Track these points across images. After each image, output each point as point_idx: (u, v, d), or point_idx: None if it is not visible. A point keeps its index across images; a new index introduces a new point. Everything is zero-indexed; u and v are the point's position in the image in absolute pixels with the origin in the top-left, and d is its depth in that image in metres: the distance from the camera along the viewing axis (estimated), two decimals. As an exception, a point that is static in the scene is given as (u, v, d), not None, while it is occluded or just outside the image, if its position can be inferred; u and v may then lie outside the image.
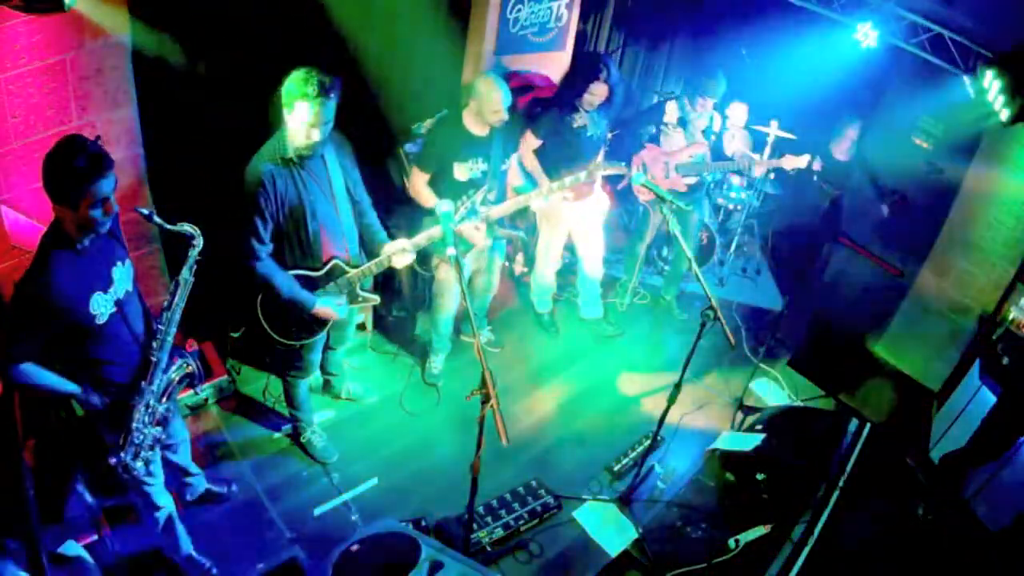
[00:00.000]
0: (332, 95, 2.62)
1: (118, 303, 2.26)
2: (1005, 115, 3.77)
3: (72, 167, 1.96)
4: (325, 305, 3.00)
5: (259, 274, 2.85)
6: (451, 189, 3.45)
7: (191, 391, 3.54)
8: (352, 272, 3.05)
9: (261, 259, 2.82)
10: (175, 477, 3.03)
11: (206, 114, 3.33)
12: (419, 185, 3.55)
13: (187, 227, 2.39)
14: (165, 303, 2.39)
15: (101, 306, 2.17)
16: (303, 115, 2.62)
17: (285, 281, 2.90)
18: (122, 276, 2.29)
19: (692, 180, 4.54)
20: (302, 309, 2.96)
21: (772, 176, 5.31)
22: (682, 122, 4.44)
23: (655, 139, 4.49)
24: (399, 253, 3.07)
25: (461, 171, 3.51)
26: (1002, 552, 3.44)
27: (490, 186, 3.58)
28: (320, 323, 3.10)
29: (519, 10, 4.49)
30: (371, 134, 4.19)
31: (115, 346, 2.28)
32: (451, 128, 3.52)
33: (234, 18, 3.20)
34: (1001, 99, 3.71)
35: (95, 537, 2.87)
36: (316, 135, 2.68)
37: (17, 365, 2.10)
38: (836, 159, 4.96)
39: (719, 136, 4.60)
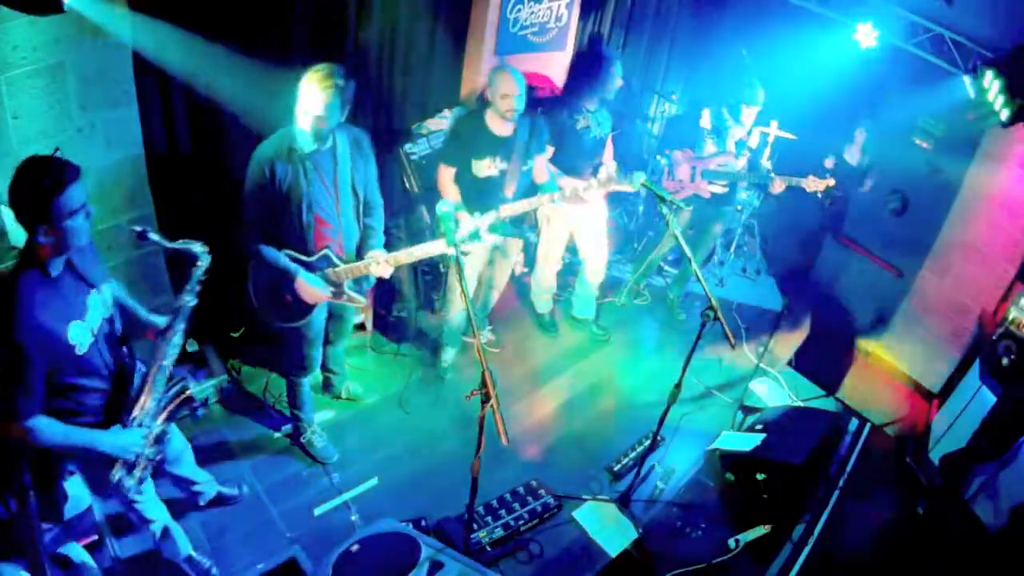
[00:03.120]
0: (342, 92, 2.70)
1: (95, 332, 2.16)
2: (1005, 115, 3.78)
3: (39, 183, 1.88)
4: (309, 281, 2.97)
5: (251, 249, 2.92)
6: (472, 186, 3.55)
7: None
8: (340, 267, 3.06)
9: (259, 237, 2.89)
10: (183, 487, 3.02)
11: (206, 113, 3.34)
12: (445, 180, 3.61)
13: (193, 245, 2.26)
14: (164, 326, 2.31)
15: (80, 336, 2.07)
16: (311, 106, 2.68)
17: (274, 252, 2.92)
18: (96, 304, 2.18)
19: (718, 189, 4.53)
20: (286, 282, 2.96)
21: (771, 174, 5.31)
22: (715, 130, 4.44)
23: (698, 145, 4.50)
24: (376, 263, 3.05)
25: (480, 168, 3.54)
26: (1002, 552, 3.44)
27: (510, 186, 3.62)
28: (305, 306, 3.09)
29: (519, 10, 4.49)
30: (370, 134, 4.19)
31: (93, 375, 2.19)
32: (474, 125, 3.55)
33: (233, 17, 3.19)
34: (1001, 99, 3.72)
35: (95, 538, 2.87)
36: (322, 125, 2.74)
37: (27, 421, 2.00)
38: (847, 163, 4.97)
39: (753, 152, 4.58)
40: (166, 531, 2.78)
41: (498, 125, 3.52)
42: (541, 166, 3.81)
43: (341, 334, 3.61)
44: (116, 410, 2.28)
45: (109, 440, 2.20)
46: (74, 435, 2.12)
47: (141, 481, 2.39)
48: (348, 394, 3.93)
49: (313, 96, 2.67)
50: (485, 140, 3.52)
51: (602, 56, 3.99)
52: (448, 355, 4.23)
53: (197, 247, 2.29)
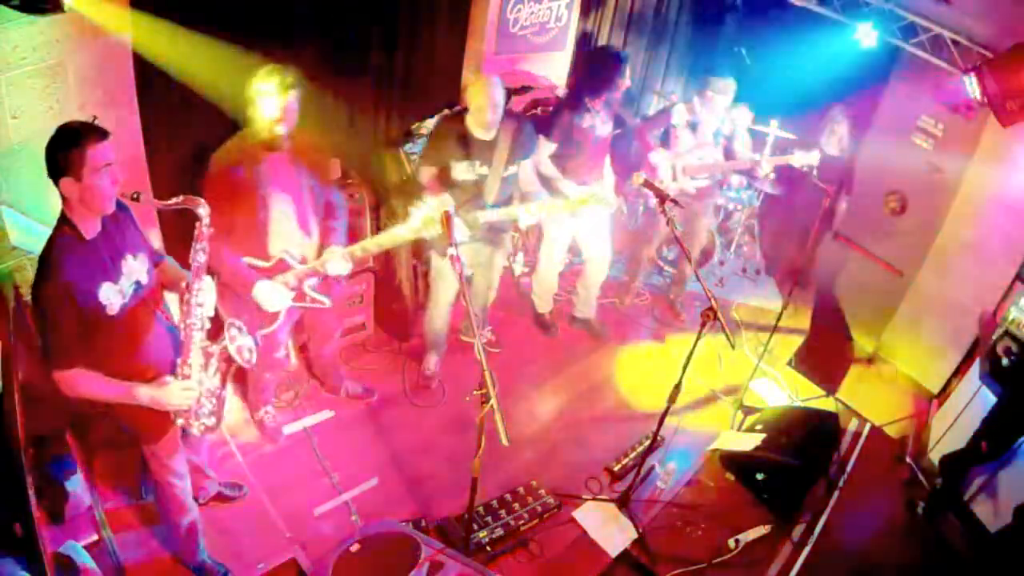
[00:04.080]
0: (293, 90, 2.72)
1: (127, 295, 2.24)
2: (1004, 116, 3.78)
3: (71, 131, 2.01)
4: (268, 288, 2.95)
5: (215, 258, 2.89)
6: (451, 189, 3.46)
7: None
8: (297, 269, 3.04)
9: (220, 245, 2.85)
10: (192, 477, 3.02)
11: (206, 113, 3.33)
12: (426, 179, 3.57)
13: (190, 202, 2.24)
14: (184, 286, 2.37)
15: (112, 296, 2.16)
16: (267, 110, 2.71)
17: (234, 260, 2.92)
18: (133, 268, 2.27)
19: (702, 184, 4.52)
20: (244, 289, 2.94)
21: (772, 176, 5.31)
22: (692, 124, 4.43)
23: (664, 141, 4.48)
24: (334, 260, 3.03)
25: (459, 171, 3.48)
26: (1002, 552, 3.44)
27: (491, 191, 3.56)
28: (272, 312, 3.06)
29: (519, 10, 4.50)
30: (370, 134, 4.19)
31: (127, 338, 2.27)
32: (454, 127, 3.49)
33: (234, 17, 3.19)
34: (1000, 100, 3.72)
35: (95, 537, 2.87)
36: (280, 129, 2.76)
37: (66, 371, 2.10)
38: (828, 154, 4.97)
39: (729, 139, 4.58)
40: (193, 527, 2.78)
41: (480, 129, 3.44)
42: (528, 173, 3.74)
43: (323, 339, 3.60)
44: (157, 371, 2.34)
45: (147, 392, 2.25)
46: (113, 386, 2.20)
47: (210, 428, 2.43)
48: (346, 394, 3.93)
49: (270, 100, 2.69)
50: (465, 143, 3.46)
51: (611, 56, 3.99)
52: (431, 361, 4.17)
53: (195, 204, 2.27)
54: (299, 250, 3.07)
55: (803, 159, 4.28)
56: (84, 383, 2.15)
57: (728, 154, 4.49)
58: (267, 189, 2.87)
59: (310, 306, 3.18)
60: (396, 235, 3.06)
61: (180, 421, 2.38)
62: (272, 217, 2.93)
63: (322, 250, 3.12)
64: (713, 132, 4.42)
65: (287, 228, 3.00)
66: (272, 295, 2.96)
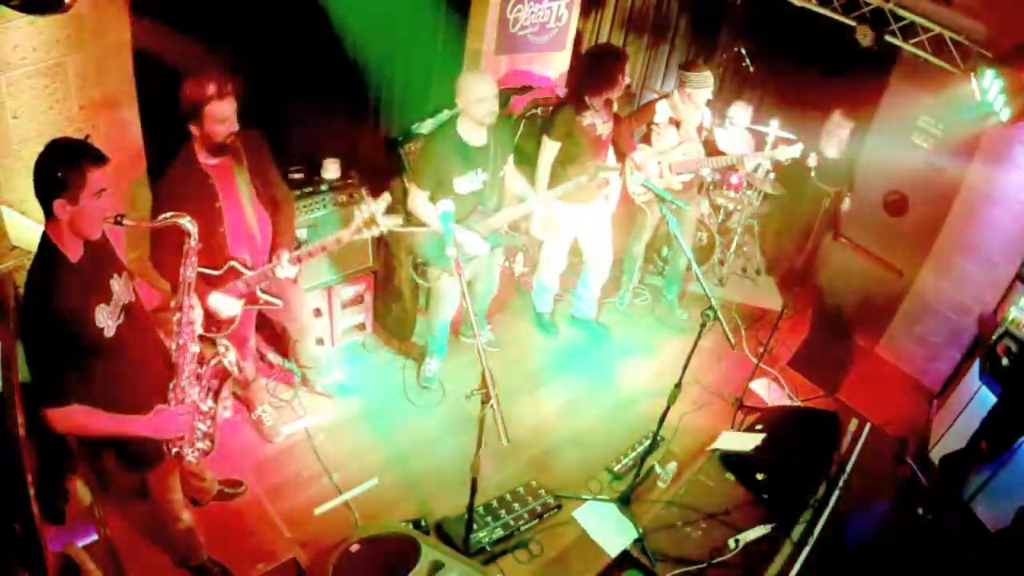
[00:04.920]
0: (229, 94, 2.66)
1: (121, 315, 2.19)
2: (1005, 115, 3.78)
3: (70, 149, 1.91)
4: (217, 298, 2.93)
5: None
6: (456, 205, 3.37)
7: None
8: (247, 275, 3.00)
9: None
10: (192, 481, 3.02)
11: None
12: (418, 204, 3.42)
13: (177, 219, 2.18)
14: (174, 304, 2.34)
15: (106, 319, 2.09)
16: (216, 115, 2.65)
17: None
18: (120, 288, 2.21)
19: (687, 179, 4.52)
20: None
21: (771, 175, 5.31)
22: (676, 121, 4.42)
23: (646, 139, 4.47)
24: (283, 265, 2.97)
25: (462, 184, 3.41)
26: (1002, 552, 3.44)
27: (493, 197, 3.55)
28: (228, 318, 3.04)
29: (519, 10, 4.49)
30: (370, 134, 4.19)
31: (126, 360, 2.22)
32: (446, 141, 3.39)
33: (233, 17, 3.20)
34: (1001, 99, 3.72)
35: (95, 537, 2.87)
36: (226, 135, 2.70)
37: (62, 407, 2.01)
38: (828, 156, 4.97)
39: (710, 132, 4.57)
40: (192, 529, 2.78)
41: (473, 134, 3.38)
42: (513, 171, 3.71)
43: (303, 332, 3.60)
44: (155, 392, 2.31)
45: (146, 424, 2.21)
46: (110, 423, 2.13)
47: (205, 452, 2.42)
48: (324, 389, 3.91)
49: (219, 106, 2.63)
50: (463, 154, 3.38)
51: (611, 54, 3.98)
52: (432, 364, 4.16)
53: (182, 220, 2.21)
54: (250, 254, 3.03)
55: (786, 153, 4.32)
56: (78, 420, 2.06)
57: (709, 148, 4.50)
58: (219, 200, 2.82)
59: (263, 308, 3.18)
60: (340, 237, 2.96)
61: (174, 451, 2.36)
62: (225, 227, 2.88)
63: (273, 249, 3.06)
64: (695, 127, 4.42)
65: (241, 234, 2.96)
66: (225, 303, 2.96)
